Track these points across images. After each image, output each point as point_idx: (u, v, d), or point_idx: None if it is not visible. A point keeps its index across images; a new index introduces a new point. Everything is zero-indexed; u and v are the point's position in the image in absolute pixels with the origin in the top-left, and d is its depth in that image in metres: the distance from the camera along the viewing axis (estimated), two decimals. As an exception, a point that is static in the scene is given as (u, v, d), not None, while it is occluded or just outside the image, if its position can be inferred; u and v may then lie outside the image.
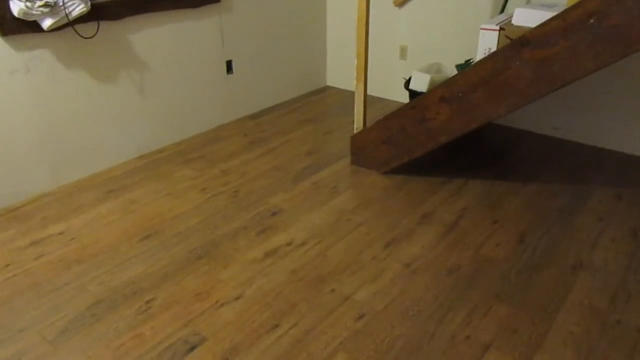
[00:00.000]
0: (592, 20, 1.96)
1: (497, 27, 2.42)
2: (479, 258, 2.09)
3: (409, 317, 1.78)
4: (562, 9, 2.03)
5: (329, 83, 4.22)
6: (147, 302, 1.86)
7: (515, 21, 2.40)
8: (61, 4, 2.29)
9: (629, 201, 2.48)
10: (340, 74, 4.10)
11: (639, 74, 2.80)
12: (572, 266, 2.03)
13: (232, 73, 3.40)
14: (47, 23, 2.30)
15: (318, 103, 3.86)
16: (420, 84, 2.87)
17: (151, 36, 2.86)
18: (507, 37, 2.38)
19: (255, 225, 2.32)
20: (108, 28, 2.64)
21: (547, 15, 2.06)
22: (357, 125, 2.79)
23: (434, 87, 2.47)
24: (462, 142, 3.03)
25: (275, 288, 1.93)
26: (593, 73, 2.10)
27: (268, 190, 2.61)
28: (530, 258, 2.08)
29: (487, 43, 2.48)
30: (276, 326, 1.74)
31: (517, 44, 2.14)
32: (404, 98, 3.04)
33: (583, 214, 2.38)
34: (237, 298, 1.87)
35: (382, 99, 3.83)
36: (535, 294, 1.89)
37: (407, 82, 3.03)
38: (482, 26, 2.46)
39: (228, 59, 3.35)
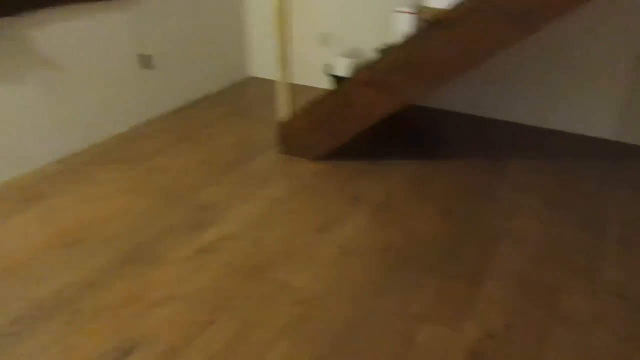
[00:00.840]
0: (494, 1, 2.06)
1: (412, 10, 2.48)
2: (410, 235, 2.15)
3: (346, 299, 1.81)
4: (470, -10, 2.11)
5: (253, 74, 4.17)
6: (74, 312, 1.77)
7: (430, 3, 2.47)
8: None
9: (542, 171, 2.65)
10: (264, 64, 4.06)
11: (549, 51, 2.98)
12: (495, 235, 2.15)
13: (151, 68, 3.28)
14: (-64, 22, 2.11)
15: (243, 94, 3.81)
16: (343, 69, 2.89)
17: (58, 32, 2.69)
18: (423, 19, 2.45)
19: (186, 222, 2.27)
20: (7, 25, 2.45)
21: (458, -4, 2.14)
22: (283, 114, 2.78)
23: (356, 72, 2.50)
24: (388, 124, 3.11)
25: (211, 284, 1.89)
26: (506, 50, 2.21)
27: (197, 186, 2.56)
28: (457, 231, 2.18)
29: (403, 26, 2.54)
30: (213, 322, 1.72)
31: (433, 26, 2.21)
32: (330, 85, 3.06)
33: (503, 186, 2.52)
34: (172, 298, 1.83)
35: (308, 87, 3.84)
36: (463, 264, 1.98)
37: (329, 68, 3.05)
38: (396, 9, 2.51)
39: (145, 53, 3.22)
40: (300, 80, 3.84)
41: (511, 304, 1.78)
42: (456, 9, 2.14)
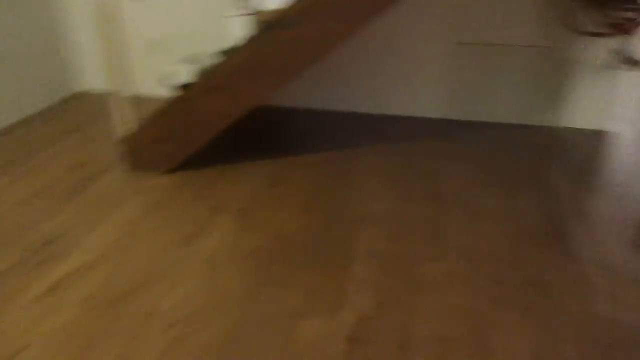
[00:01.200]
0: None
1: (246, 12, 2.49)
2: (275, 235, 2.17)
3: (222, 310, 1.77)
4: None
5: (87, 87, 3.83)
6: None
7: (262, 4, 2.50)
8: None
9: (387, 155, 2.86)
10: (98, 75, 3.75)
11: (379, 41, 3.20)
12: (354, 221, 2.26)
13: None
14: None
15: (77, 110, 3.49)
16: (183, 76, 2.80)
17: None
18: (260, 20, 2.47)
19: (27, 260, 2.01)
20: None
21: (289, -4, 2.19)
22: (124, 128, 2.60)
23: (199, 78, 2.44)
24: (241, 126, 3.09)
25: (69, 324, 1.71)
26: (343, 44, 2.33)
27: (35, 219, 2.28)
28: (320, 223, 2.25)
29: (241, 28, 2.54)
30: (78, 366, 1.56)
31: (271, 26, 2.24)
32: (172, 93, 2.94)
33: (355, 174, 2.66)
34: (23, 349, 1.61)
35: (149, 96, 3.64)
36: (330, 253, 2.05)
37: (169, 76, 2.93)
38: (230, 12, 2.50)
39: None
40: (139, 90, 3.63)
41: (378, 283, 1.90)
42: (291, 8, 2.20)
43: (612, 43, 2.89)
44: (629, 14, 2.62)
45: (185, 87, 2.52)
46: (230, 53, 2.37)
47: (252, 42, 2.30)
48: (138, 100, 3.52)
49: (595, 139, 3.07)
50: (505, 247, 2.09)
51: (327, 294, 1.84)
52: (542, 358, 1.58)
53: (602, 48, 2.93)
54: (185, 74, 2.75)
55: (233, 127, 2.60)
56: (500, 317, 1.74)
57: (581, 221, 2.26)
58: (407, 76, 3.27)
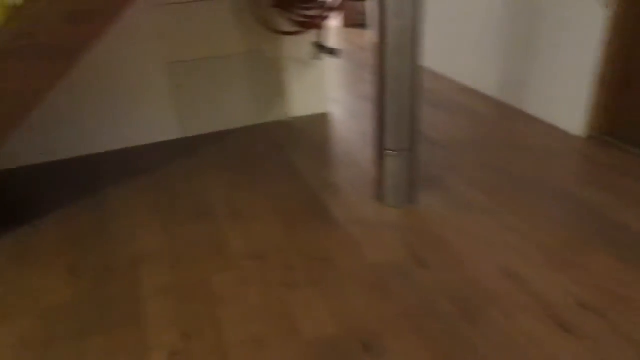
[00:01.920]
0: (24, 42, 1.95)
1: None
2: (47, 310, 1.90)
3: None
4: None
5: None
6: None
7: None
8: None
9: (138, 188, 2.75)
10: None
11: (97, 76, 3.01)
12: (132, 263, 2.13)
13: None
14: None
15: None
16: None
17: None
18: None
19: None
20: None
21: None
22: None
23: None
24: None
25: None
26: (59, 86, 2.13)
27: None
28: (93, 279, 2.06)
29: None
30: None
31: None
32: None
33: (115, 215, 2.49)
34: None
35: None
36: (117, 306, 1.90)
37: None
38: None
39: None
40: None
41: (176, 314, 1.85)
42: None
43: (311, 37, 3.34)
44: (312, 12, 3.06)
45: None
46: None
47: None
48: None
49: (319, 121, 3.52)
50: (283, 236, 2.26)
51: (129, 347, 1.71)
52: (341, 314, 1.78)
53: (305, 43, 3.36)
54: None
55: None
56: (297, 297, 1.89)
57: (331, 192, 2.59)
58: (131, 105, 3.17)
